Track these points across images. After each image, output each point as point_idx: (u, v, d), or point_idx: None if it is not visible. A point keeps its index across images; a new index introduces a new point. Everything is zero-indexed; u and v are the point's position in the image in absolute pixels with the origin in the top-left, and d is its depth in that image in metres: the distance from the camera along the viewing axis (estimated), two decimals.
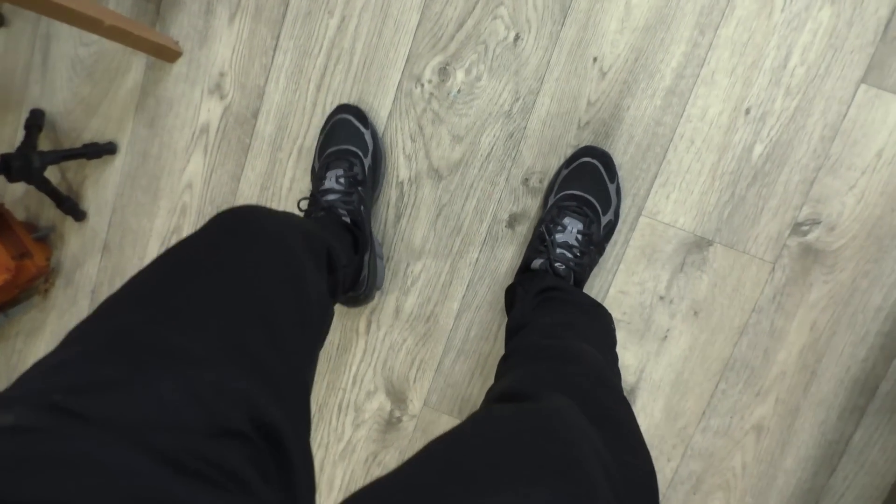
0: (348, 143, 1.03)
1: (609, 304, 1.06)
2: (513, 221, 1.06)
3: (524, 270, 0.98)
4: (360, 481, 1.19)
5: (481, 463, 0.41)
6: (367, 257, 1.00)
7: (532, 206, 1.05)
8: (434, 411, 1.14)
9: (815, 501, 1.06)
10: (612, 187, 1.00)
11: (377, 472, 1.18)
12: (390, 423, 1.16)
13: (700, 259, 1.03)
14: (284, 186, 1.11)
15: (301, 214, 0.99)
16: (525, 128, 1.04)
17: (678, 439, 1.08)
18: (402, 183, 1.08)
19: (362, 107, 1.07)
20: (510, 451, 0.42)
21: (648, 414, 1.08)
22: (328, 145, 1.05)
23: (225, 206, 1.13)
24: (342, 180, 0.99)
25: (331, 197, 0.98)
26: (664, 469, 1.09)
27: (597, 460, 0.44)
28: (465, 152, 1.06)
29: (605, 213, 1.00)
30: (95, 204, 1.18)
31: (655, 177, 1.02)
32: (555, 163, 1.04)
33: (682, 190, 1.02)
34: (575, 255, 0.94)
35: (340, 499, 1.21)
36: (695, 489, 1.09)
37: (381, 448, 1.17)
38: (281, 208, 1.12)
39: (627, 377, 1.07)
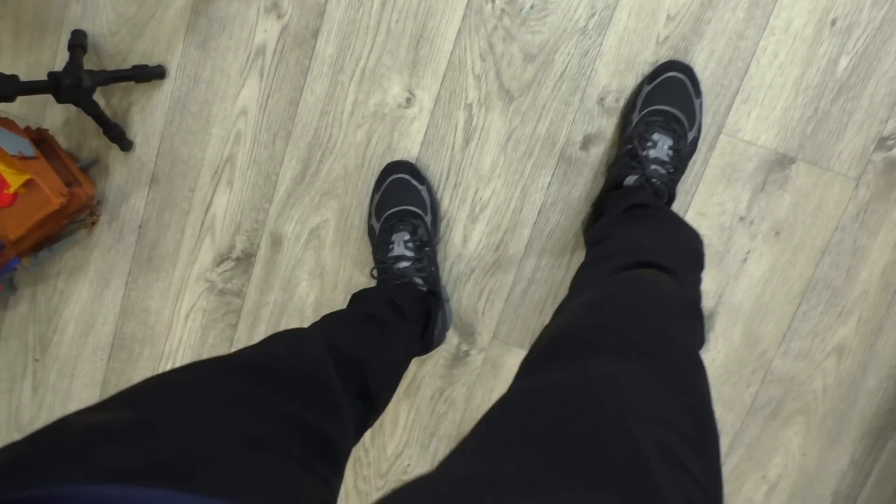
0: (408, 203, 1.07)
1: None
2: (587, 143, 1.03)
3: (613, 188, 0.99)
4: (426, 419, 1.16)
5: (530, 455, 0.39)
6: (438, 315, 1.06)
7: (607, 127, 1.03)
8: (503, 344, 1.12)
9: None
10: (697, 102, 1.02)
11: (443, 409, 1.15)
12: (457, 358, 1.13)
13: (782, 177, 1.01)
14: (346, 111, 1.07)
15: (374, 282, 1.09)
16: (601, 44, 1.01)
17: (758, 364, 1.06)
18: (470, 105, 1.05)
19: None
20: (561, 441, 0.40)
21: (727, 339, 1.06)
22: (387, 206, 1.08)
23: (283, 132, 1.10)
24: (410, 245, 1.03)
25: (403, 265, 1.03)
26: (743, 395, 1.07)
27: (657, 450, 0.40)
28: (538, 72, 1.03)
29: (690, 129, 1.01)
30: (143, 132, 1.14)
31: (737, 93, 1.00)
32: (631, 81, 1.02)
33: (764, 106, 1.00)
34: (668, 172, 0.96)
35: (405, 437, 1.18)
36: (774, 414, 1.08)
37: (448, 384, 1.14)
38: (342, 135, 1.09)
39: (707, 302, 1.06)
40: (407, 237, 1.04)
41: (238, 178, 1.16)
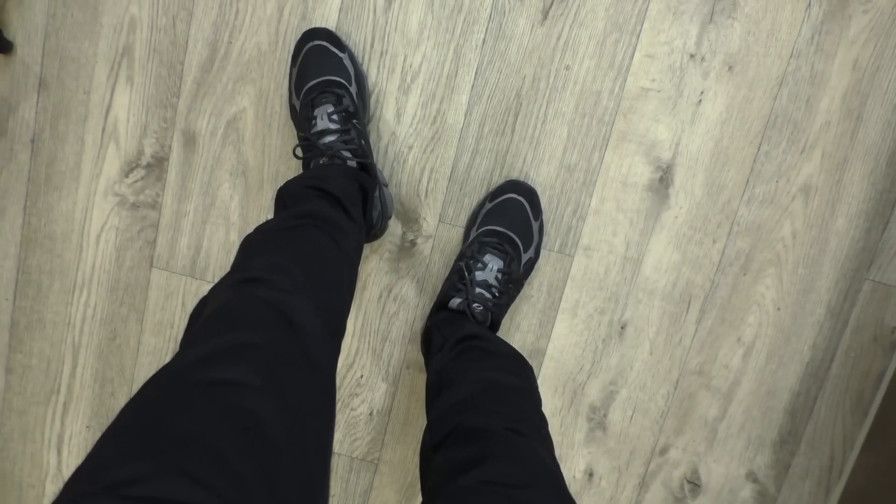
0: (329, 72, 0.97)
1: (635, 72, 0.99)
2: None
3: (440, 308, 0.98)
4: (376, 322, 1.07)
5: None
6: (376, 195, 0.96)
7: None
8: (452, 227, 1.04)
9: (870, 260, 1.01)
10: (535, 225, 1.03)
11: (393, 308, 1.06)
12: (403, 249, 1.04)
13: (730, 4, 0.95)
14: None
15: (300, 161, 0.98)
16: None
17: (723, 216, 1.00)
18: None
19: None
20: None
21: (689, 193, 1.00)
22: (306, 78, 0.98)
23: (183, 13, 0.99)
24: (335, 117, 0.94)
25: (328, 139, 0.93)
26: (710, 252, 1.01)
27: None
28: None
29: (526, 251, 1.02)
30: (23, 30, 1.02)
31: None
32: None
33: None
34: (494, 296, 0.96)
35: (354, 345, 1.09)
36: (744, 269, 1.02)
37: (396, 280, 1.06)
38: (250, 9, 1.00)
39: (663, 153, 0.99)
40: (331, 109, 0.93)
41: (138, 71, 1.03)
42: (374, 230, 1.00)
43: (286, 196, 0.86)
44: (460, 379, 0.79)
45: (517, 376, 0.81)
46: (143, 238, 1.09)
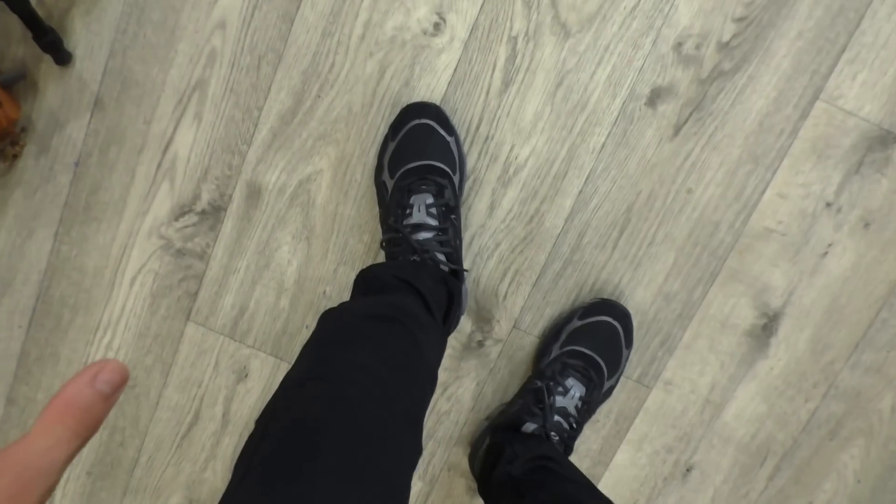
0: (435, 157, 0.86)
1: (762, 209, 0.89)
2: (655, 98, 0.85)
3: (510, 429, 0.89)
4: (428, 420, 0.97)
5: None
6: (462, 300, 0.87)
7: (681, 80, 0.85)
8: (526, 335, 0.94)
9: None
10: (625, 353, 0.94)
11: (445, 406, 0.97)
12: (469, 349, 0.95)
13: (882, 158, 0.85)
14: (355, 33, 0.85)
15: (384, 253, 0.87)
16: None
17: (821, 376, 0.92)
18: (515, 38, 0.84)
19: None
20: None
21: (791, 346, 0.91)
22: (406, 158, 0.86)
23: (271, 55, 0.88)
24: (433, 210, 0.83)
25: (423, 235, 0.82)
26: (799, 411, 0.93)
27: None
28: (603, 3, 0.83)
29: (609, 378, 0.93)
30: (86, 42, 0.89)
31: (843, 51, 0.83)
32: (718, 24, 0.82)
33: (873, 69, 0.83)
34: (571, 427, 0.87)
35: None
36: (832, 434, 0.94)
37: (454, 378, 0.96)
38: (348, 64, 0.87)
39: (772, 300, 0.89)
40: (430, 200, 0.83)
41: (209, 110, 0.91)
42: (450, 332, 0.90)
43: (371, 280, 0.76)
44: (538, 489, 0.73)
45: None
46: (184, 288, 0.98)
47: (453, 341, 0.97)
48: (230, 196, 0.94)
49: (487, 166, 0.91)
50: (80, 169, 0.94)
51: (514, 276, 0.95)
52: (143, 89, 0.91)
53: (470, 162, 0.91)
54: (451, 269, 0.83)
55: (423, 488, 1.04)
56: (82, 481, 1.07)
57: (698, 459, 0.99)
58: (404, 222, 0.83)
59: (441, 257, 0.82)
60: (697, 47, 0.85)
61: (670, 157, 0.89)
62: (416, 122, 0.86)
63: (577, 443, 0.99)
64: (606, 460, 1.00)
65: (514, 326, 0.96)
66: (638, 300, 0.94)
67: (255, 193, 0.94)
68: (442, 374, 0.99)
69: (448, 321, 0.83)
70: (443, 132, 0.86)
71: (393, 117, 0.88)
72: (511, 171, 0.91)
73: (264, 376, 1.00)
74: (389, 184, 0.87)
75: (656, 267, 0.92)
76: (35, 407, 1.05)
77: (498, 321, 0.96)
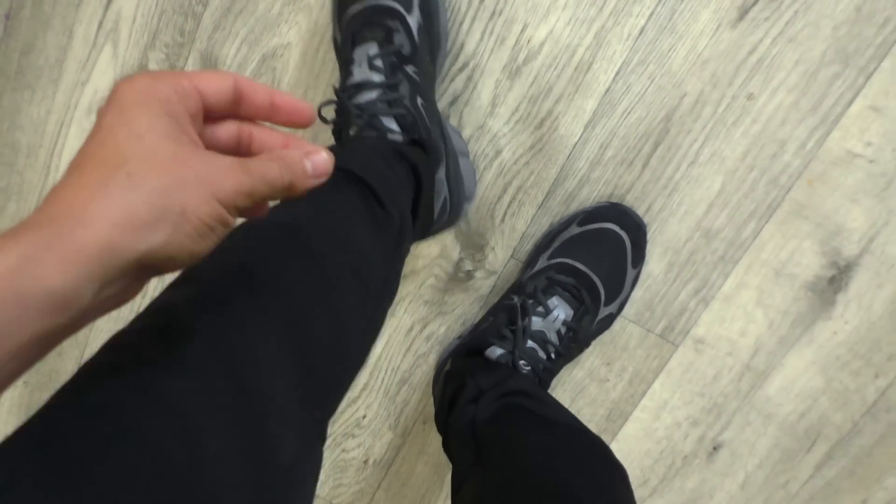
0: None
1: (846, 126, 0.71)
2: None
3: (471, 353, 0.73)
4: (398, 358, 0.84)
5: None
6: (440, 175, 0.68)
7: None
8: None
9: None
10: (631, 273, 0.75)
11: (423, 347, 0.82)
12: (455, 280, 0.79)
13: None
14: None
15: (328, 125, 0.67)
16: None
17: None
18: None
19: None
20: None
21: (864, 306, 0.73)
22: (348, 1, 0.68)
23: None
24: (378, 63, 0.64)
25: (366, 97, 0.64)
26: (865, 388, 0.75)
27: None
28: None
29: (608, 304, 0.74)
30: None
31: None
32: None
33: None
34: (549, 357, 0.70)
35: (364, 377, 0.86)
36: None
37: (436, 314, 0.82)
38: None
39: (845, 246, 0.71)
40: (374, 50, 0.64)
41: None
42: (434, 226, 0.72)
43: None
44: (506, 464, 0.56)
45: (594, 479, 0.57)
46: None
47: (437, 268, 0.81)
48: (181, 68, 0.79)
49: (492, 51, 0.73)
50: (10, 25, 0.80)
51: (515, 194, 0.77)
52: None
53: (470, 44, 0.73)
54: (410, 139, 0.64)
55: (394, 440, 0.90)
56: (19, 391, 0.97)
57: (729, 437, 0.82)
58: (346, 82, 0.65)
59: (391, 124, 0.64)
60: None
61: (729, 51, 0.69)
62: None
63: (582, 404, 0.83)
64: (615, 428, 0.84)
65: (511, 256, 0.79)
66: (669, 235, 0.75)
67: (210, 67, 0.79)
68: (421, 308, 0.83)
69: (419, 202, 0.65)
70: None
71: None
72: (521, 58, 0.73)
73: None
74: (339, 38, 0.69)
75: (697, 193, 0.74)
76: None
77: (492, 248, 0.80)
